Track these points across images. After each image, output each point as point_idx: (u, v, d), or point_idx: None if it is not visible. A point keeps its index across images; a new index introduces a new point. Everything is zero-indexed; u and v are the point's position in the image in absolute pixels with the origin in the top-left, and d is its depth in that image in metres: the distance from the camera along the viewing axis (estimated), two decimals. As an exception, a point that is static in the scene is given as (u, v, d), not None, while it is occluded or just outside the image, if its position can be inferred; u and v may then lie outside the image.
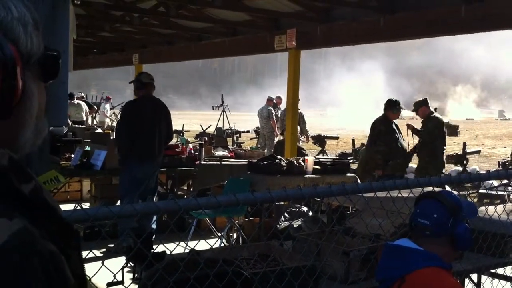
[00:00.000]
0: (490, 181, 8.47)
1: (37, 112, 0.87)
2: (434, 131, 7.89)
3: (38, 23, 0.86)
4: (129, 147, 6.03)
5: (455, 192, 2.76)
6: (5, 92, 0.80)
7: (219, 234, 6.15)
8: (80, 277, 0.81)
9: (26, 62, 0.83)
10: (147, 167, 6.09)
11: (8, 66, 0.79)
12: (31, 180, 0.79)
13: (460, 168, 10.01)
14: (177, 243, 2.56)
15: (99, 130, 10.69)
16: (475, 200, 8.98)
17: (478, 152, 14.24)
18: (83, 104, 16.19)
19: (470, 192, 9.20)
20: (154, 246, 4.95)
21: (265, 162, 6.32)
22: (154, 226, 6.09)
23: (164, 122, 6.31)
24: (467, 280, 3.71)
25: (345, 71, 53.89)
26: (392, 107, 7.49)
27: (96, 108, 18.76)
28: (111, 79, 70.80)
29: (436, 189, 3.18)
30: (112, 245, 6.10)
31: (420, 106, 8.09)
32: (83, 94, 18.72)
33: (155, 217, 6.08)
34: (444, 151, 8.16)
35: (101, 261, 2.01)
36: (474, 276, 3.81)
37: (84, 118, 15.45)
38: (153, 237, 5.93)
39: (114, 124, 14.41)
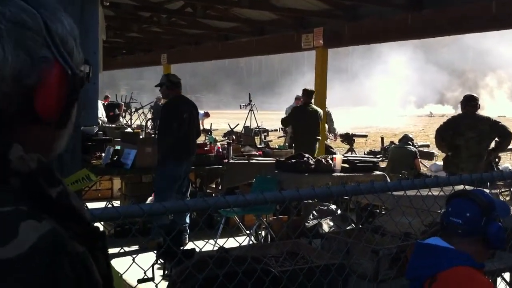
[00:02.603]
0: (523, 179, 8.28)
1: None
2: (289, 119, 8.94)
3: (78, 37, 0.88)
4: (170, 147, 6.14)
5: (487, 191, 2.71)
6: (69, 105, 0.83)
7: (248, 232, 6.17)
8: (106, 278, 0.82)
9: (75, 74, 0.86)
10: (185, 165, 6.27)
11: (73, 82, 0.82)
12: (59, 184, 0.79)
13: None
14: (206, 240, 2.59)
15: (129, 129, 10.81)
16: (507, 198, 8.80)
17: (511, 150, 13.94)
18: None
19: (502, 190, 9.02)
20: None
21: (293, 161, 6.31)
22: (188, 220, 6.26)
23: (197, 121, 6.60)
24: (499, 279, 3.65)
25: (372, 68, 53.39)
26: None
27: (123, 105, 18.80)
28: (140, 79, 71.58)
29: (467, 187, 3.14)
30: (142, 243, 6.17)
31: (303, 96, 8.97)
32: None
33: (187, 214, 6.21)
34: (315, 138, 8.61)
35: (131, 258, 2.04)
36: (507, 275, 3.75)
37: None
38: (187, 235, 6.04)
39: (143, 123, 14.50)
